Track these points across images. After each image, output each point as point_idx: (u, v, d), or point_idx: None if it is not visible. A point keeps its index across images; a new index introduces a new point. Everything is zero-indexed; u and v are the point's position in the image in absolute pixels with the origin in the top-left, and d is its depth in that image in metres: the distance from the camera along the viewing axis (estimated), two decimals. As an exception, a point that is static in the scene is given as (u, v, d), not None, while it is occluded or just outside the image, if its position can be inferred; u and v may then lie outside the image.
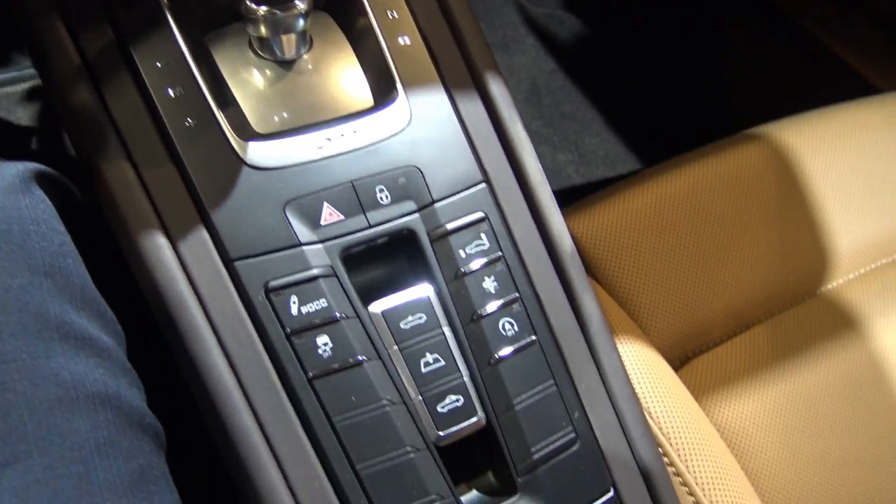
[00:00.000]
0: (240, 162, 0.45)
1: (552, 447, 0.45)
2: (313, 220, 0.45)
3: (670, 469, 0.59)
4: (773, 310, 0.79)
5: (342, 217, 0.46)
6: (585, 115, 1.45)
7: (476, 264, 0.47)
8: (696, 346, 0.76)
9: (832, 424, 0.73)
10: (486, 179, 0.50)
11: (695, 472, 0.59)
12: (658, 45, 1.53)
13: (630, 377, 0.63)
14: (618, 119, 1.45)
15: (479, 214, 0.48)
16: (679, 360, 0.76)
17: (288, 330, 0.43)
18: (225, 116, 0.45)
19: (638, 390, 0.62)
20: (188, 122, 0.45)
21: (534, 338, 0.47)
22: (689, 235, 0.77)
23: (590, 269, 0.75)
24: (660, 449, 0.59)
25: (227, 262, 0.43)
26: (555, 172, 1.38)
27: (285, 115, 0.48)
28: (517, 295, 0.47)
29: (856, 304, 0.80)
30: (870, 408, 0.74)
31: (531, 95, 1.47)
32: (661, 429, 0.60)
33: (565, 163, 1.38)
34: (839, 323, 0.78)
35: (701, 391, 0.72)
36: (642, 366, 0.64)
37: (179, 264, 0.43)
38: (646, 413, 0.61)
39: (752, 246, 0.79)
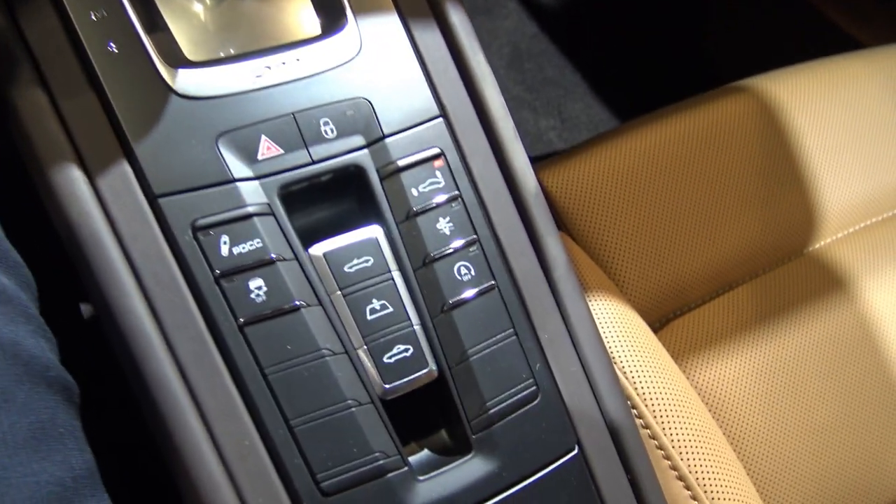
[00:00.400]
0: (168, 90, 0.41)
1: (510, 402, 0.41)
2: (249, 154, 0.41)
3: (645, 431, 0.55)
4: (757, 270, 0.75)
5: (281, 151, 0.42)
6: (569, 80, 1.40)
7: (430, 204, 0.43)
8: (677, 307, 0.72)
9: (818, 387, 0.69)
10: (444, 113, 0.45)
11: (671, 434, 0.55)
12: (643, 7, 1.48)
13: (604, 337, 0.59)
14: (602, 84, 1.40)
15: (435, 150, 0.44)
16: (658, 322, 0.72)
17: (217, 272, 0.39)
18: (152, 41, 0.41)
19: (612, 350, 0.58)
20: (111, 47, 0.41)
21: (492, 283, 0.43)
22: (669, 191, 0.73)
23: (564, 225, 0.71)
24: (634, 410, 0.56)
25: (151, 199, 0.39)
26: (536, 138, 1.33)
27: (221, 42, 0.44)
28: (475, 237, 0.43)
29: (844, 264, 0.77)
30: (857, 370, 0.71)
31: (513, 60, 1.42)
32: (636, 389, 0.56)
33: (547, 128, 1.34)
34: (826, 283, 0.75)
35: (681, 353, 0.69)
36: (618, 324, 0.60)
37: (97, 200, 0.39)
38: (620, 373, 0.57)
39: (736, 203, 0.75)
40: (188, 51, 0.42)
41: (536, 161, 0.73)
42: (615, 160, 0.72)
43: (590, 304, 0.61)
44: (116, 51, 0.41)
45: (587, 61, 1.42)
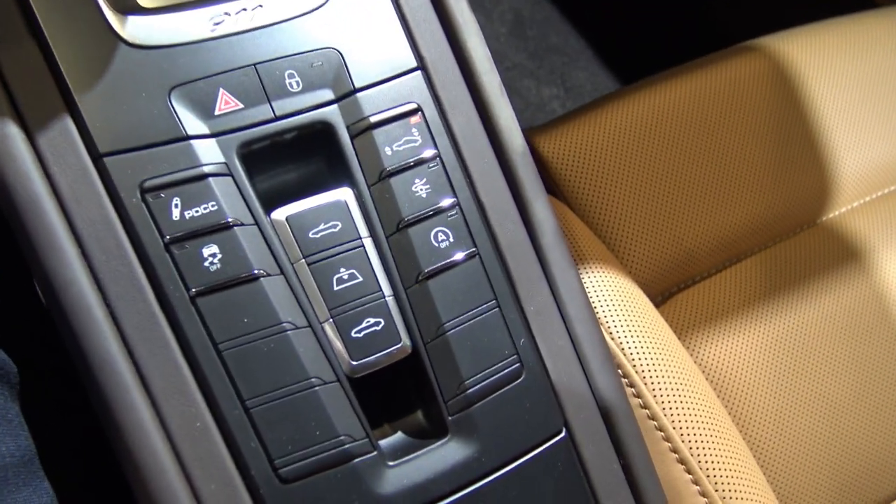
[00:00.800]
0: (115, 39, 0.38)
1: (491, 380, 0.38)
2: (205, 109, 0.38)
3: (644, 412, 0.51)
4: (767, 240, 0.71)
5: (241, 106, 0.38)
6: (573, 48, 1.35)
7: (405, 164, 0.39)
8: (681, 280, 0.68)
9: (830, 364, 0.65)
10: (422, 65, 0.42)
11: (672, 415, 0.52)
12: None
13: (600, 311, 0.55)
14: (608, 51, 1.35)
15: (411, 105, 0.40)
16: (661, 295, 0.68)
17: (167, 238, 0.35)
18: None
19: (610, 325, 0.54)
20: None
21: (473, 250, 0.39)
22: (673, 156, 0.69)
23: (561, 194, 0.67)
24: (632, 389, 0.52)
25: (96, 158, 0.36)
26: (539, 108, 1.29)
27: (177, -13, 0.40)
28: (454, 200, 0.39)
29: (859, 234, 0.72)
30: (872, 346, 0.67)
31: (515, 27, 1.37)
32: (634, 367, 0.53)
33: (550, 97, 1.29)
34: (840, 254, 0.71)
35: (685, 328, 0.65)
36: (616, 298, 0.56)
37: (36, 159, 0.36)
38: (617, 350, 0.53)
39: (746, 169, 0.71)
40: (140, -3, 0.39)
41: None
42: (616, 124, 0.68)
43: (586, 276, 0.57)
44: (60, -5, 0.37)
45: (592, 27, 1.37)
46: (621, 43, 1.37)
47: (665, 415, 0.52)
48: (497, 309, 0.39)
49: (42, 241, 0.35)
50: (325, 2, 0.41)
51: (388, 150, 0.39)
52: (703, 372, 0.63)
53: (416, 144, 0.40)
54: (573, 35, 1.37)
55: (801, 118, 0.74)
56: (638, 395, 0.52)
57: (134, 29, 0.38)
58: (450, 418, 0.37)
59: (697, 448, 0.51)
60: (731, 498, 0.50)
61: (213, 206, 0.36)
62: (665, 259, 0.67)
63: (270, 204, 0.38)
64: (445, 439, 0.37)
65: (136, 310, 0.35)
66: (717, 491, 0.50)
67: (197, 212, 0.36)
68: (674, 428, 0.51)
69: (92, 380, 0.34)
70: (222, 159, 0.37)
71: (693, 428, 0.52)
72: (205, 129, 0.37)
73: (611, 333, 0.54)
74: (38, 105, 0.36)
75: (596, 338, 0.41)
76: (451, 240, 0.39)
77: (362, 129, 0.39)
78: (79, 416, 0.42)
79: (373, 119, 0.39)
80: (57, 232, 0.35)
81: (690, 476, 0.50)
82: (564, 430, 0.39)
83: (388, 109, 0.40)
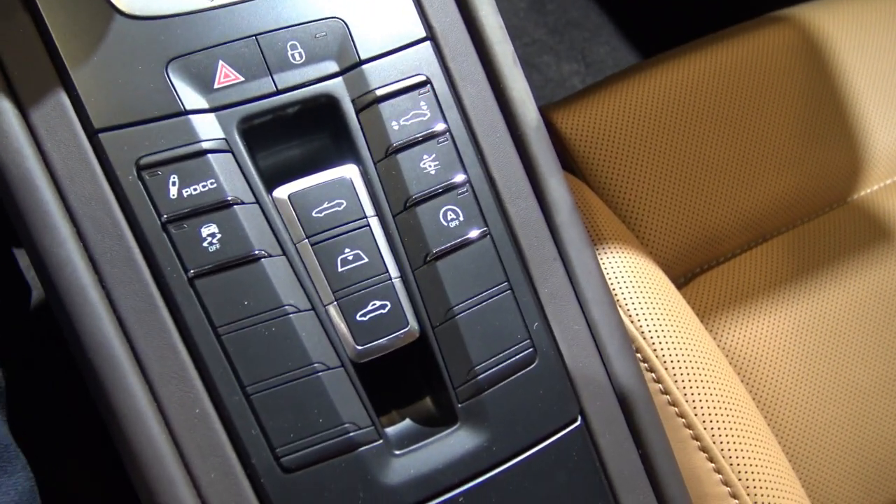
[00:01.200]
0: (111, 9, 0.36)
1: (503, 366, 0.36)
2: (204, 83, 0.36)
3: (664, 398, 0.49)
4: (795, 219, 0.68)
5: (241, 79, 0.36)
6: (594, 22, 1.31)
7: (413, 139, 0.37)
8: (705, 260, 0.66)
9: (858, 348, 0.63)
10: (431, 35, 0.40)
11: (694, 401, 0.50)
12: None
13: (620, 293, 0.53)
14: (629, 25, 1.31)
15: (420, 77, 0.38)
16: (684, 276, 0.66)
17: (165, 217, 0.34)
18: None
19: (629, 307, 0.52)
20: None
21: (484, 229, 0.37)
22: (697, 132, 0.66)
23: (580, 172, 0.65)
24: (652, 374, 0.50)
25: (91, 134, 0.35)
26: (559, 84, 1.26)
27: (176, -45, 0.38)
28: (465, 177, 0.38)
29: (892, 212, 0.69)
30: (906, 330, 0.64)
31: (535, 2, 1.34)
32: (655, 351, 0.51)
33: (570, 73, 1.26)
34: (872, 234, 0.68)
35: (708, 311, 0.63)
36: (636, 279, 0.54)
37: (29, 134, 0.35)
38: (637, 333, 0.51)
39: (773, 145, 0.68)
40: (137, -35, 0.37)
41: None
42: (637, 99, 0.65)
43: (605, 257, 0.55)
44: (52, -35, 0.36)
45: (613, 0, 1.33)
46: (643, 16, 1.33)
47: (686, 401, 0.50)
48: (509, 291, 0.37)
49: (35, 220, 0.33)
50: (330, -31, 0.39)
51: (394, 125, 0.37)
52: (727, 356, 0.61)
53: (425, 119, 0.38)
54: (593, 9, 1.33)
55: (830, 91, 0.71)
56: (658, 381, 0.50)
57: (130, -1, 0.36)
58: (459, 405, 0.35)
59: (720, 435, 0.49)
60: (755, 486, 0.48)
61: (212, 183, 0.34)
62: (688, 239, 0.65)
63: (272, 182, 0.37)
64: (454, 427, 0.35)
65: (132, 291, 0.33)
66: (740, 480, 0.48)
67: (195, 189, 0.34)
68: (695, 414, 0.49)
69: (87, 363, 0.33)
70: (222, 135, 0.35)
71: (715, 414, 0.50)
72: (203, 104, 0.36)
73: (630, 316, 0.52)
74: (31, 79, 0.35)
75: (614, 321, 0.39)
76: (462, 219, 0.37)
77: (368, 103, 0.37)
78: (77, 402, 0.41)
79: (379, 92, 0.38)
80: (50, 210, 0.34)
81: (713, 464, 0.48)
82: (580, 418, 0.37)
83: (396, 82, 0.38)
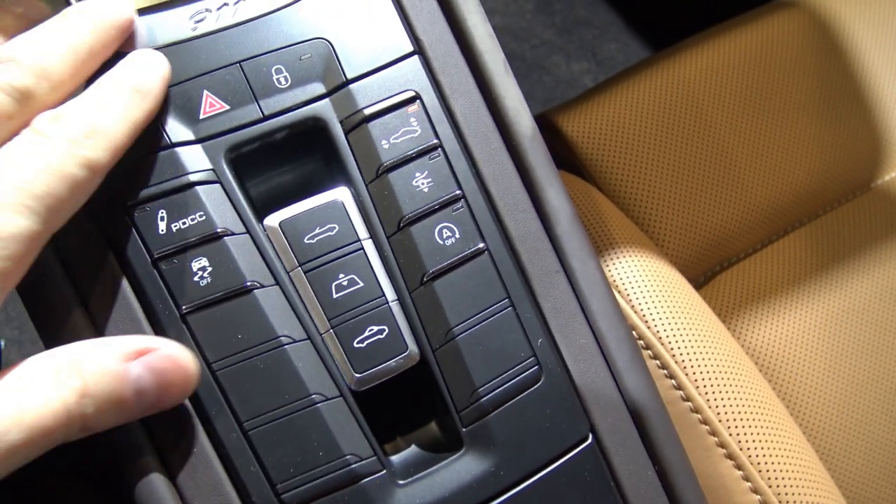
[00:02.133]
0: None
1: (508, 385, 0.35)
2: (189, 114, 0.35)
3: (686, 405, 0.48)
4: (817, 209, 0.66)
5: (227, 107, 0.36)
6: (603, 19, 1.29)
7: (404, 157, 0.36)
8: (724, 258, 0.64)
9: (889, 341, 0.60)
10: (419, 49, 0.39)
11: (718, 407, 0.48)
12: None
13: (635, 298, 0.51)
14: (639, 20, 1.29)
15: (409, 93, 0.37)
16: (703, 276, 0.64)
17: (155, 254, 0.33)
18: None
19: (645, 313, 0.51)
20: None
21: (481, 246, 0.36)
22: (710, 126, 0.64)
23: (588, 175, 0.63)
24: (672, 381, 0.48)
25: None
26: (570, 84, 1.24)
27: (156, -13, 0.38)
28: (459, 192, 0.37)
29: (920, 196, 0.67)
30: (940, 319, 0.62)
31: (541, 3, 1.32)
32: (674, 357, 0.49)
33: (581, 73, 1.24)
34: (899, 220, 0.65)
35: (730, 310, 0.61)
36: (652, 283, 0.52)
37: None
38: (654, 339, 0.50)
39: (790, 135, 0.66)
40: (117, 0, 0.37)
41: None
42: (644, 96, 0.63)
43: (618, 261, 0.54)
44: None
45: (622, -4, 1.31)
46: (653, 10, 1.31)
47: (710, 407, 0.48)
48: (510, 308, 0.36)
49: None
50: (312, -12, 0.38)
51: (385, 144, 0.36)
52: (752, 356, 0.59)
53: (416, 135, 0.37)
54: (602, 6, 1.31)
55: (847, 75, 0.68)
56: (679, 387, 0.48)
57: (111, 34, 0.36)
58: (464, 430, 0.34)
59: (747, 441, 0.47)
60: (786, 492, 0.46)
61: (200, 216, 0.34)
62: (704, 237, 0.63)
63: (264, 209, 0.36)
64: (460, 453, 0.34)
65: (125, 331, 0.33)
66: (770, 486, 0.46)
67: (184, 223, 0.34)
68: (720, 421, 0.48)
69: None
70: (209, 166, 0.35)
71: (741, 419, 0.48)
72: (190, 135, 0.35)
73: (646, 321, 0.50)
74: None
75: (622, 333, 0.37)
76: (458, 236, 0.36)
77: (357, 123, 0.36)
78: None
79: (367, 111, 0.37)
80: (43, 255, 0.33)
81: (741, 472, 0.46)
82: (591, 435, 0.36)
83: (384, 100, 0.37)
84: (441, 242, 0.36)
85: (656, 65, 0.65)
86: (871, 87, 0.69)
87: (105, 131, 0.31)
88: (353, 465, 0.32)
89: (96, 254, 0.34)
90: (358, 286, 0.35)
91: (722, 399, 0.48)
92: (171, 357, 0.31)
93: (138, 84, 0.33)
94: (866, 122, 0.68)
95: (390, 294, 0.35)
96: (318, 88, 0.37)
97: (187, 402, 0.33)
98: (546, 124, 0.65)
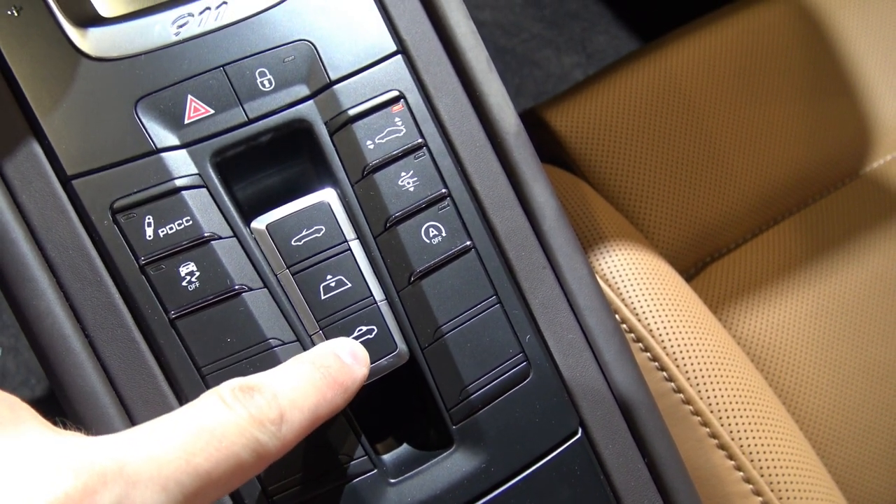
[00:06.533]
0: (77, 54, 0.36)
1: (497, 382, 0.35)
2: (174, 119, 0.35)
3: (678, 396, 0.48)
4: (805, 198, 0.66)
5: (211, 112, 0.36)
6: (592, 11, 1.29)
7: (389, 156, 0.36)
8: (714, 250, 0.64)
9: (881, 327, 0.61)
10: (402, 49, 0.39)
11: (709, 397, 0.48)
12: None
13: (625, 291, 0.52)
14: (628, 12, 1.29)
15: (393, 93, 0.38)
16: (693, 267, 0.64)
17: (142, 260, 0.33)
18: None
19: (636, 306, 0.51)
20: (11, 11, 0.36)
21: (468, 244, 0.36)
22: (697, 118, 0.64)
23: (578, 169, 0.63)
24: (664, 373, 0.49)
25: (65, 181, 0.34)
26: (561, 79, 1.24)
27: (137, -8, 0.38)
28: (444, 191, 0.37)
29: (908, 183, 0.67)
30: (930, 304, 0.62)
31: (530, -4, 1.32)
32: (665, 349, 0.49)
33: (572, 66, 1.24)
34: (888, 207, 0.65)
35: (720, 301, 0.61)
36: (642, 276, 0.53)
37: (3, 186, 0.34)
38: (646, 332, 0.50)
39: (778, 123, 0.66)
40: (100, 6, 0.37)
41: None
42: (631, 89, 0.64)
43: (608, 255, 0.54)
44: (17, 14, 0.36)
45: (611, -12, 1.31)
46: (642, 1, 1.31)
47: (701, 398, 0.48)
48: (498, 305, 0.36)
49: (13, 273, 0.33)
50: (294, -9, 0.38)
51: (370, 144, 0.37)
52: (743, 346, 0.59)
53: (401, 135, 0.37)
54: (591, -2, 1.31)
55: (834, 62, 0.69)
56: (670, 379, 0.48)
57: (95, 41, 0.36)
58: (454, 427, 0.34)
59: (739, 431, 0.47)
60: (778, 481, 0.47)
61: (187, 220, 0.34)
62: (694, 228, 0.63)
63: (251, 213, 0.36)
64: (451, 450, 0.34)
65: (114, 338, 0.33)
66: (762, 476, 0.46)
67: (171, 229, 0.34)
68: (711, 412, 0.48)
69: (76, 414, 0.32)
70: (195, 170, 0.35)
71: (732, 409, 0.48)
72: (175, 141, 0.35)
73: (637, 314, 0.50)
74: (2, 131, 0.35)
75: (609, 327, 0.37)
76: (444, 234, 0.36)
77: (341, 124, 0.37)
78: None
79: (352, 112, 0.37)
80: (28, 262, 0.33)
81: (733, 462, 0.47)
82: (580, 430, 0.36)
83: (368, 100, 0.37)
84: (428, 241, 0.36)
85: (643, 57, 0.65)
86: (858, 75, 0.69)
87: (291, 422, 0.28)
88: (345, 465, 0.33)
89: (83, 260, 0.34)
90: (346, 287, 0.35)
91: (713, 390, 0.49)
92: None
93: (347, 381, 0.30)
94: (854, 110, 0.69)
95: (378, 294, 0.35)
96: (303, 90, 0.37)
97: (175, 403, 0.33)
98: (534, 119, 0.65)
